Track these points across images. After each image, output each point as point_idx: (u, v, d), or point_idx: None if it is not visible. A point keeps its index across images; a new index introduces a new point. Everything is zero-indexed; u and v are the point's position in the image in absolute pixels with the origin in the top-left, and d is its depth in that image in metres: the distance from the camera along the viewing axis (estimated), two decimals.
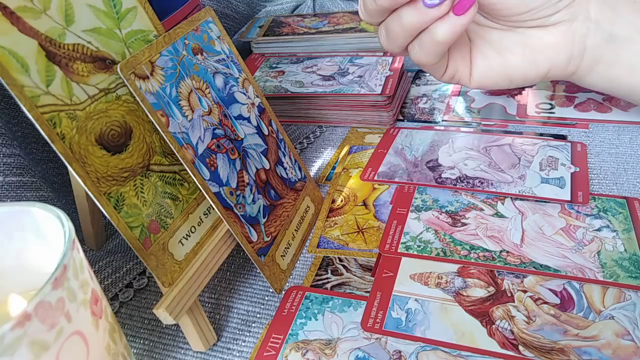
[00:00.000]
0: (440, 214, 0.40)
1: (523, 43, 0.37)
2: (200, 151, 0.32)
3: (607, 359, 0.29)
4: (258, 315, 0.35)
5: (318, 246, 0.39)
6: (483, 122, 0.50)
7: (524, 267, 0.34)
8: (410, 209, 0.41)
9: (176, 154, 0.31)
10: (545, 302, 0.32)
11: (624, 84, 0.38)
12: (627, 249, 0.35)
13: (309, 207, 0.41)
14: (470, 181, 0.42)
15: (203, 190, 0.32)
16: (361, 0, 0.35)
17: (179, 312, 0.30)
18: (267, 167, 0.38)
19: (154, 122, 0.30)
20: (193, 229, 0.34)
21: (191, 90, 0.34)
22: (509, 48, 0.38)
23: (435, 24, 0.33)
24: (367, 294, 0.34)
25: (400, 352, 0.30)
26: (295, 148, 0.51)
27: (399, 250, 0.37)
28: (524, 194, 0.40)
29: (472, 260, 0.35)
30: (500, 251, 0.36)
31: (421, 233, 0.38)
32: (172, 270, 0.31)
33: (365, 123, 0.53)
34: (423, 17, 0.33)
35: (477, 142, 0.47)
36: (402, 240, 0.38)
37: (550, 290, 0.33)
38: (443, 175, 0.43)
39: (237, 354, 0.33)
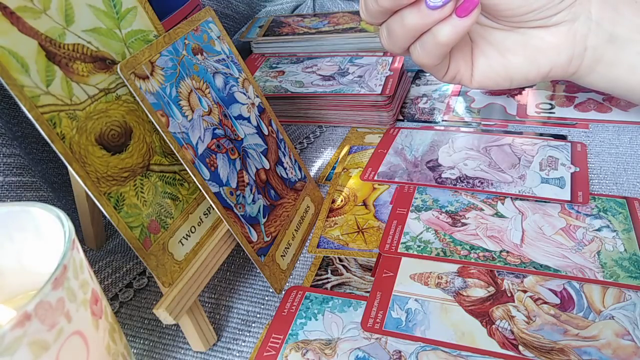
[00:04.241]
0: (440, 214, 0.40)
1: (524, 43, 0.37)
2: (200, 151, 0.32)
3: (607, 359, 0.29)
4: (258, 315, 0.35)
5: (318, 246, 0.39)
6: (483, 122, 0.50)
7: (524, 267, 0.34)
8: (410, 209, 0.41)
9: (176, 154, 0.31)
10: (545, 302, 0.32)
11: (625, 83, 0.38)
12: (627, 249, 0.35)
13: (309, 207, 0.41)
14: (470, 181, 0.42)
15: (203, 190, 0.32)
16: (362, 0, 0.35)
17: (179, 312, 0.30)
18: (267, 167, 0.38)
19: (154, 122, 0.30)
20: (193, 229, 0.34)
21: (191, 90, 0.34)
22: (511, 48, 0.38)
23: (438, 26, 0.33)
24: (367, 294, 0.34)
25: (400, 352, 0.30)
26: (295, 148, 0.51)
27: (399, 250, 0.37)
28: (524, 194, 0.40)
29: (472, 260, 0.35)
30: (500, 251, 0.36)
31: (421, 233, 0.38)
32: (172, 270, 0.31)
33: (365, 123, 0.53)
34: (425, 19, 0.32)
35: (477, 142, 0.47)
36: (402, 240, 0.38)
37: (550, 290, 0.33)
38: (443, 175, 0.43)
39: (237, 354, 0.33)
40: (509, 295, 0.33)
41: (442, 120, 0.51)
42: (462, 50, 0.39)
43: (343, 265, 0.37)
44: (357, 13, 0.66)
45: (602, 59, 0.37)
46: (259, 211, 0.36)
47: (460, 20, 0.32)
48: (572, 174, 0.42)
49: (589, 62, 0.37)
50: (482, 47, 0.39)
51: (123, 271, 0.39)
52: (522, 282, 0.34)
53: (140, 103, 0.30)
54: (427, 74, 0.60)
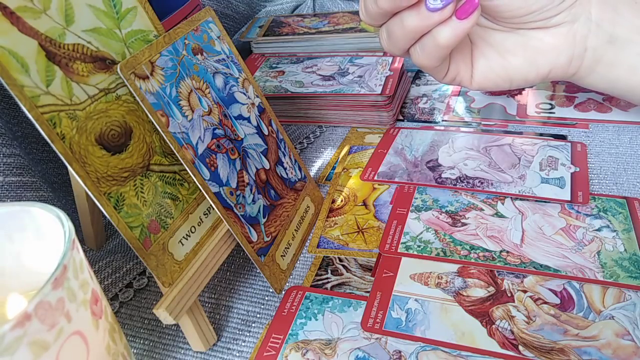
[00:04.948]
0: (440, 214, 0.40)
1: (524, 44, 0.37)
2: (200, 151, 0.32)
3: (607, 359, 0.29)
4: (258, 315, 0.35)
5: (318, 246, 0.39)
6: (483, 122, 0.50)
7: (524, 267, 0.34)
8: (410, 209, 0.41)
9: (176, 154, 0.31)
10: (545, 302, 0.32)
11: (625, 84, 0.38)
12: (627, 249, 0.35)
13: (309, 207, 0.41)
14: (470, 181, 0.42)
15: (203, 190, 0.32)
16: (362, 1, 0.35)
17: (179, 312, 0.30)
18: (267, 167, 0.38)
19: (154, 122, 0.30)
20: (193, 229, 0.34)
21: (191, 90, 0.34)
22: (510, 49, 0.38)
23: (438, 28, 0.33)
24: (367, 294, 0.34)
25: (400, 352, 0.30)
26: (295, 148, 0.51)
27: (399, 250, 0.37)
28: (524, 194, 0.40)
29: (472, 260, 0.35)
30: (500, 251, 0.36)
31: (421, 233, 0.38)
32: (172, 270, 0.31)
33: (365, 123, 0.53)
34: (425, 21, 0.32)
35: (477, 142, 0.47)
36: (402, 240, 0.38)
37: (550, 290, 0.33)
38: (443, 175, 0.43)
39: (237, 354, 0.33)
40: (509, 295, 0.33)
41: (442, 120, 0.51)
42: (462, 52, 0.39)
43: (343, 265, 0.37)
44: (357, 13, 0.66)
45: (602, 59, 0.37)
46: (259, 211, 0.36)
47: (460, 23, 0.32)
48: (572, 174, 0.42)
49: (589, 63, 0.37)
50: (482, 48, 0.39)
51: (123, 271, 0.39)
52: (522, 282, 0.34)
53: (140, 103, 0.30)
54: (427, 74, 0.60)
